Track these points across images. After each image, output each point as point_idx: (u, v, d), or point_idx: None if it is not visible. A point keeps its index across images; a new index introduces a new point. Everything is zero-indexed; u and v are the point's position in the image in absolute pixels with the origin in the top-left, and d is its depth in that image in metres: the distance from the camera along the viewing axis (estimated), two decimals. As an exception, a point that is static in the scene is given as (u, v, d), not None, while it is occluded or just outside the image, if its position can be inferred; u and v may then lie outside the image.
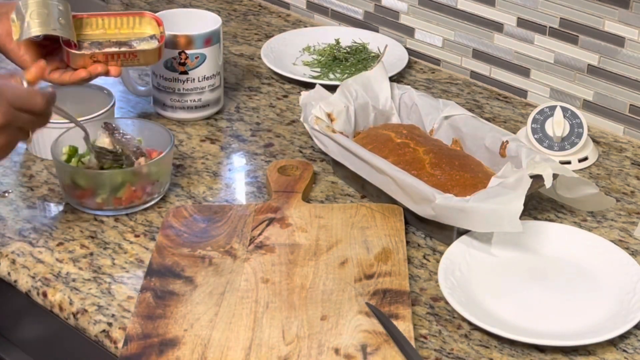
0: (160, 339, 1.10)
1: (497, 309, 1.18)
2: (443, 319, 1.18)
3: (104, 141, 1.34)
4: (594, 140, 1.53)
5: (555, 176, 1.28)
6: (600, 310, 1.18)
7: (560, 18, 1.57)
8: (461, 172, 1.32)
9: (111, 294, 1.20)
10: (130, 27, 1.41)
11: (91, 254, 1.27)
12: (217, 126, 1.55)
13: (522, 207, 1.19)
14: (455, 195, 1.26)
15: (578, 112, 1.47)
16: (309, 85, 1.63)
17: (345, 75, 1.69)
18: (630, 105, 1.54)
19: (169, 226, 1.29)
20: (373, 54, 1.74)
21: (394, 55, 1.73)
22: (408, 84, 1.67)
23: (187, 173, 1.43)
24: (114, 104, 1.47)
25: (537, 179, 1.26)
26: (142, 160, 1.32)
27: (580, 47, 1.56)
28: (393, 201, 1.32)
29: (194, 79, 1.52)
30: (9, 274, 1.25)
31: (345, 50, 1.76)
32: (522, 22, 1.62)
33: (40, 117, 1.17)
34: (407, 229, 1.32)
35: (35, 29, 1.31)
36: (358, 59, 1.73)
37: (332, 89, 1.51)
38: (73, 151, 1.35)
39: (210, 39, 1.51)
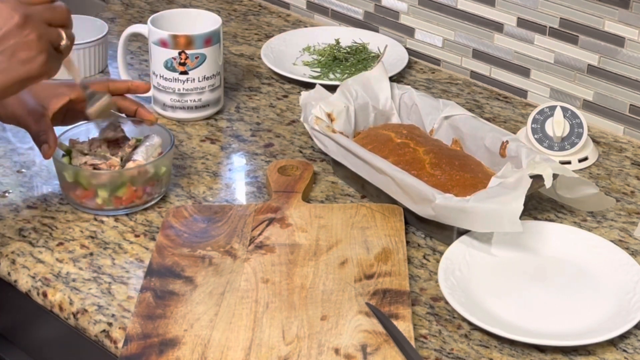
0: (160, 339, 1.10)
1: (497, 309, 1.18)
2: (443, 319, 1.18)
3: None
4: (594, 140, 1.53)
5: (555, 176, 1.28)
6: (600, 310, 1.18)
7: (560, 18, 1.57)
8: (461, 172, 1.32)
9: (111, 294, 1.20)
10: None
11: (91, 254, 1.27)
12: (217, 126, 1.55)
13: (522, 207, 1.19)
14: (455, 195, 1.26)
15: (578, 112, 1.47)
16: (309, 85, 1.63)
17: (345, 75, 1.69)
18: (630, 105, 1.54)
19: (169, 226, 1.29)
20: (373, 54, 1.74)
21: (394, 55, 1.73)
22: (408, 84, 1.67)
23: (187, 173, 1.43)
24: (114, 104, 1.47)
25: (537, 179, 1.26)
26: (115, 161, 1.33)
27: (580, 47, 1.56)
28: (393, 201, 1.32)
29: (194, 79, 1.52)
30: (9, 274, 1.25)
31: (345, 50, 1.76)
32: (522, 22, 1.62)
33: (56, 8, 1.16)
34: (407, 229, 1.32)
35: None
36: (358, 59, 1.73)
37: (332, 89, 1.51)
38: (73, 151, 1.35)
39: (210, 39, 1.51)
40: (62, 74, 1.24)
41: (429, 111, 1.45)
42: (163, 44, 1.50)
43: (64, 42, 1.18)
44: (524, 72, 1.65)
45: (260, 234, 1.27)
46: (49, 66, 1.16)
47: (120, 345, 1.14)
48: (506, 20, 1.64)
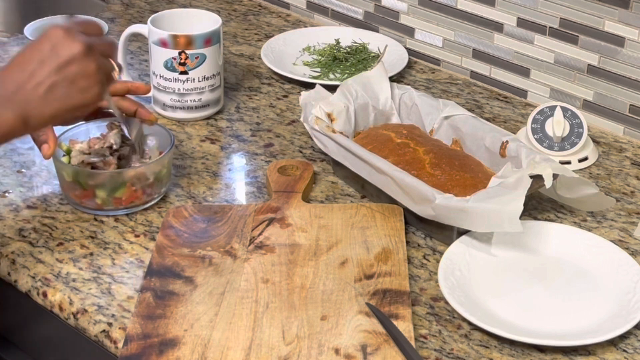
0: (160, 339, 1.10)
1: (497, 309, 1.18)
2: (443, 319, 1.18)
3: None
4: (594, 140, 1.53)
5: (555, 176, 1.28)
6: (600, 310, 1.18)
7: (560, 18, 1.57)
8: (461, 172, 1.32)
9: (111, 294, 1.20)
10: None
11: (91, 254, 1.27)
12: (217, 126, 1.55)
13: (522, 207, 1.19)
14: (455, 195, 1.26)
15: (578, 112, 1.47)
16: (309, 85, 1.62)
17: (345, 75, 1.69)
18: (630, 105, 1.54)
19: (169, 226, 1.29)
20: (373, 54, 1.74)
21: (394, 55, 1.73)
22: (408, 84, 1.67)
23: (187, 173, 1.43)
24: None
25: (537, 179, 1.26)
26: (111, 159, 1.33)
27: (580, 47, 1.56)
28: (393, 201, 1.32)
29: (194, 79, 1.52)
30: (9, 274, 1.25)
31: (345, 50, 1.76)
32: (522, 22, 1.62)
33: (107, 40, 1.20)
34: (407, 229, 1.32)
35: None
36: (358, 59, 1.73)
37: (332, 89, 1.51)
38: (73, 151, 1.35)
39: (210, 39, 1.51)
40: None
41: (429, 111, 1.45)
42: (163, 44, 1.50)
43: (116, 74, 1.22)
44: (524, 72, 1.65)
45: (260, 234, 1.27)
46: (101, 97, 1.19)
47: (120, 345, 1.14)
48: (506, 20, 1.64)
